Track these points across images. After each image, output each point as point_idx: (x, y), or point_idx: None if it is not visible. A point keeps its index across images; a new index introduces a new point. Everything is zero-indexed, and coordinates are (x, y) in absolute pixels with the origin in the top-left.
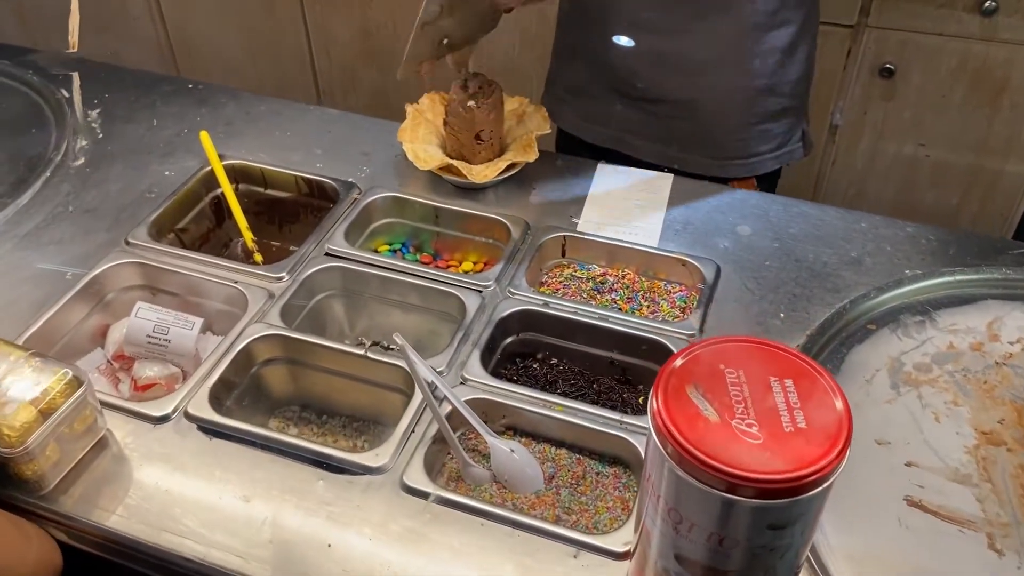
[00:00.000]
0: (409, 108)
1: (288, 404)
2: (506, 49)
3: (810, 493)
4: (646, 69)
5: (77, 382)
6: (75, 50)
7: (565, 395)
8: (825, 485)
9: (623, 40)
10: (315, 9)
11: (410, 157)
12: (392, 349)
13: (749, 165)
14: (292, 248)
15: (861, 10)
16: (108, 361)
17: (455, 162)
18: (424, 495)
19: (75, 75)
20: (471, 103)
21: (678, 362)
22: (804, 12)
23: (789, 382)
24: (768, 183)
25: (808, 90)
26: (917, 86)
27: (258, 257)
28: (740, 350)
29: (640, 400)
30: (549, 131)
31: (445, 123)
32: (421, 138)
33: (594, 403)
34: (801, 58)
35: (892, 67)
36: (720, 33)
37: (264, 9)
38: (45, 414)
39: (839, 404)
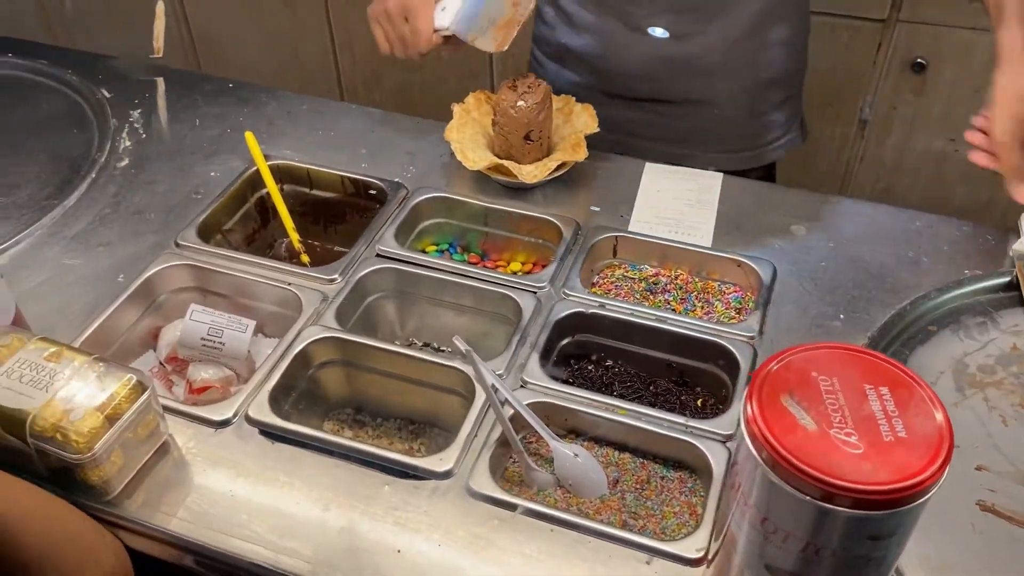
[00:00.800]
0: (456, 107)
1: (342, 407)
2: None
3: (911, 504)
4: (651, 74)
5: (141, 387)
6: (159, 55)
7: (622, 397)
8: (927, 496)
9: (658, 32)
10: (339, 7)
11: (459, 157)
12: (443, 351)
13: (757, 155)
14: (337, 249)
15: (892, 5)
16: (160, 364)
17: (505, 162)
18: (491, 500)
19: (159, 80)
20: (521, 103)
21: (771, 367)
22: (800, 3)
23: (885, 390)
24: (768, 172)
25: (803, 79)
26: (948, 80)
27: (305, 258)
28: (832, 357)
29: (699, 403)
30: (597, 129)
31: (494, 123)
32: (468, 138)
33: (652, 406)
34: (799, 48)
35: (923, 61)
36: (727, 34)
37: (287, 8)
38: (111, 420)
39: (939, 414)
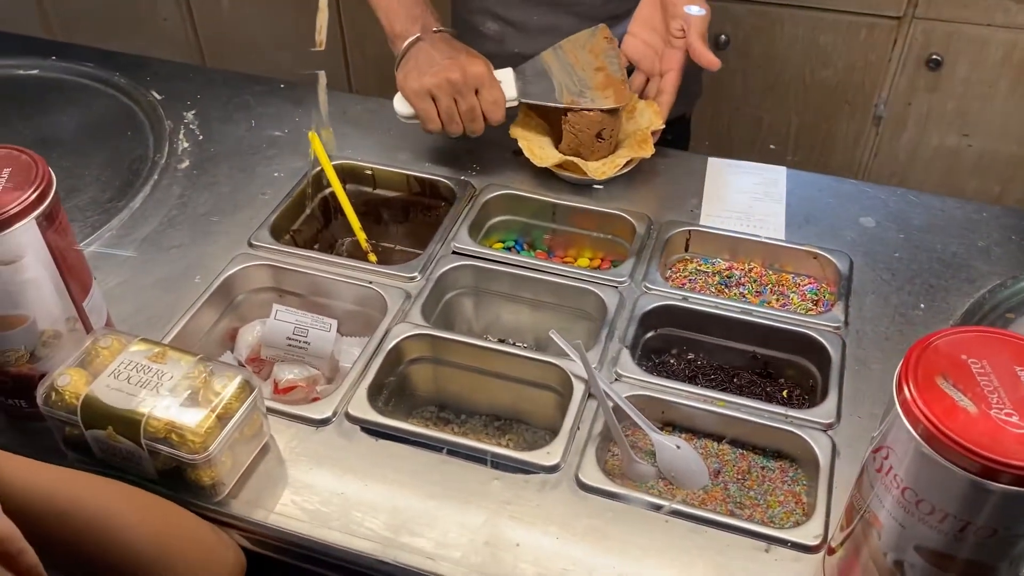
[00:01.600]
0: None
1: (426, 404)
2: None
3: None
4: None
5: (249, 387)
6: (322, 48)
7: (707, 389)
8: None
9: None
10: (349, 4)
11: (527, 154)
12: (518, 347)
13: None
14: (399, 248)
15: (909, 2)
16: (241, 364)
17: (575, 159)
18: (602, 492)
19: (321, 74)
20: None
21: (919, 353)
22: None
23: None
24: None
25: None
26: (963, 77)
27: (372, 257)
28: (978, 340)
29: (784, 394)
30: (663, 126)
31: (565, 121)
32: (534, 134)
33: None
34: None
35: (939, 58)
36: None
37: (296, 5)
38: (222, 419)
39: None
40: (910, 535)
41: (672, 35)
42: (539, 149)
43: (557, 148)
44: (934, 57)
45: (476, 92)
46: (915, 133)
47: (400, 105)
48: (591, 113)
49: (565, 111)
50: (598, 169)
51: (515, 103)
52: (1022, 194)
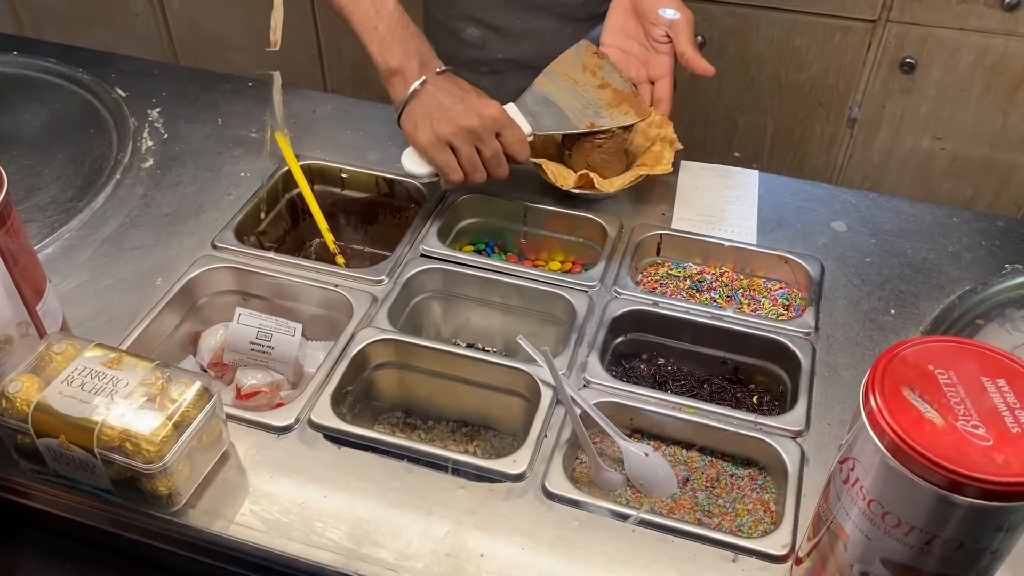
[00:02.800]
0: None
1: (392, 410)
2: None
3: None
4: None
5: (207, 393)
6: (277, 48)
7: (677, 396)
8: None
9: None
10: (325, 5)
11: (553, 181)
12: (486, 351)
13: None
14: (368, 250)
15: (883, 5)
16: (203, 369)
17: (592, 175)
18: (568, 501)
19: (276, 74)
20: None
21: (886, 363)
22: None
23: (1003, 382)
24: None
25: None
26: (936, 80)
27: (340, 260)
28: (945, 351)
29: (754, 400)
30: (681, 147)
31: (593, 144)
32: (547, 159)
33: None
34: None
35: (913, 61)
36: None
37: (271, 4)
38: (179, 427)
39: None
40: (876, 547)
41: (656, 41)
42: (553, 167)
43: (574, 167)
44: (908, 60)
45: (497, 135)
46: (889, 135)
47: (412, 164)
48: (619, 132)
49: (591, 135)
50: (611, 183)
51: (531, 137)
52: (994, 197)
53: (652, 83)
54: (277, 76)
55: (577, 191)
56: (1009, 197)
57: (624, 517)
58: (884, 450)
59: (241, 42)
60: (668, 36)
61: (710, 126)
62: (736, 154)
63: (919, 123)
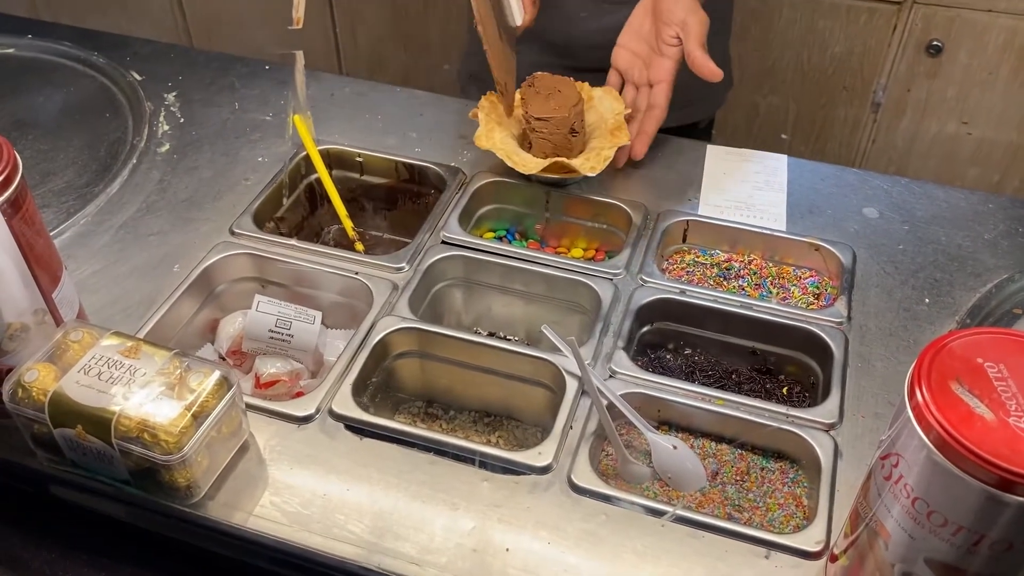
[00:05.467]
0: (480, 113)
1: (413, 400)
2: None
3: None
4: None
5: (226, 383)
6: (299, 26)
7: (704, 387)
8: None
9: None
10: None
11: (510, 163)
12: (508, 340)
13: (705, 107)
14: (387, 236)
15: None
16: (222, 357)
17: (561, 159)
18: (595, 495)
19: (299, 54)
20: (555, 104)
21: (932, 355)
22: None
23: None
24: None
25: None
26: (963, 64)
27: (359, 246)
28: (994, 342)
29: (784, 391)
30: (629, 110)
31: (532, 130)
32: (500, 141)
33: (736, 395)
34: None
35: (940, 44)
36: None
37: None
38: (198, 418)
39: None
40: (920, 547)
41: (664, 42)
42: (517, 156)
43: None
44: (934, 43)
45: None
46: (914, 120)
47: None
48: (558, 117)
49: (528, 120)
50: (588, 166)
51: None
52: (1021, 182)
53: (650, 87)
54: (300, 56)
55: (552, 177)
56: None
57: (658, 513)
58: (931, 446)
59: (256, 25)
60: (678, 38)
61: (730, 110)
62: (784, 136)
63: (945, 107)
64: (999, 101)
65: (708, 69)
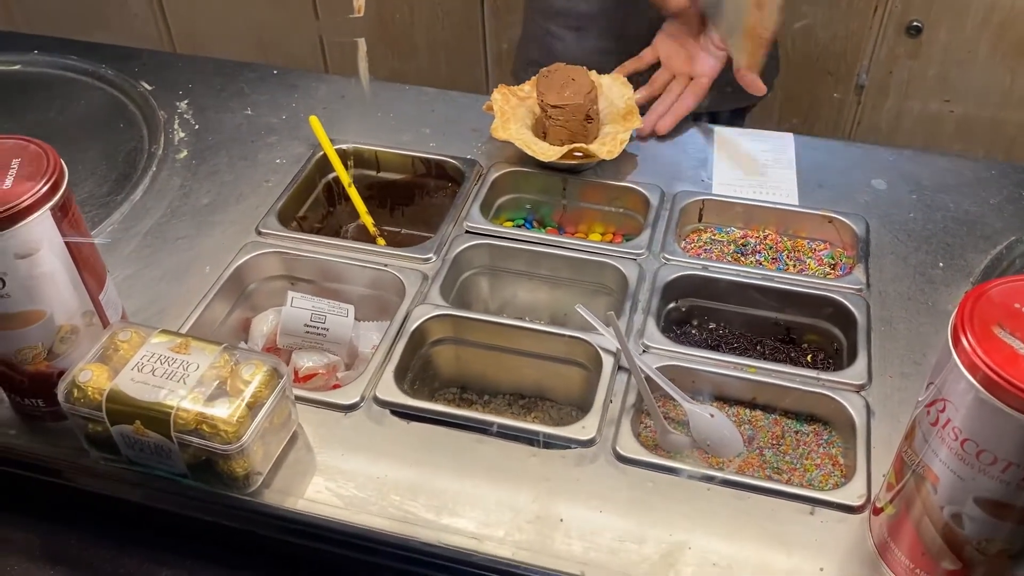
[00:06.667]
0: (494, 107)
1: (448, 386)
2: None
3: None
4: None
5: (276, 374)
6: (360, 14)
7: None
8: None
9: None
10: None
11: (530, 152)
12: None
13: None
14: (406, 231)
15: None
16: None
17: (580, 145)
18: (641, 464)
19: (361, 41)
20: (571, 93)
21: (972, 303)
22: None
23: None
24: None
25: None
26: (943, 43)
27: (381, 242)
28: None
29: (808, 358)
30: (637, 96)
31: (548, 118)
32: (516, 132)
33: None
34: None
35: (919, 24)
36: None
37: (275, 2)
38: (252, 408)
39: None
40: (970, 487)
41: (714, 44)
42: (535, 144)
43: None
44: (914, 23)
45: None
46: (897, 100)
47: None
48: (573, 105)
49: (544, 109)
50: (605, 150)
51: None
52: (1005, 157)
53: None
54: (362, 42)
55: (571, 164)
56: (1018, 156)
57: (704, 478)
58: (979, 387)
59: (242, 35)
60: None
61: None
62: (793, 120)
63: (927, 86)
64: (979, 78)
65: (755, 86)
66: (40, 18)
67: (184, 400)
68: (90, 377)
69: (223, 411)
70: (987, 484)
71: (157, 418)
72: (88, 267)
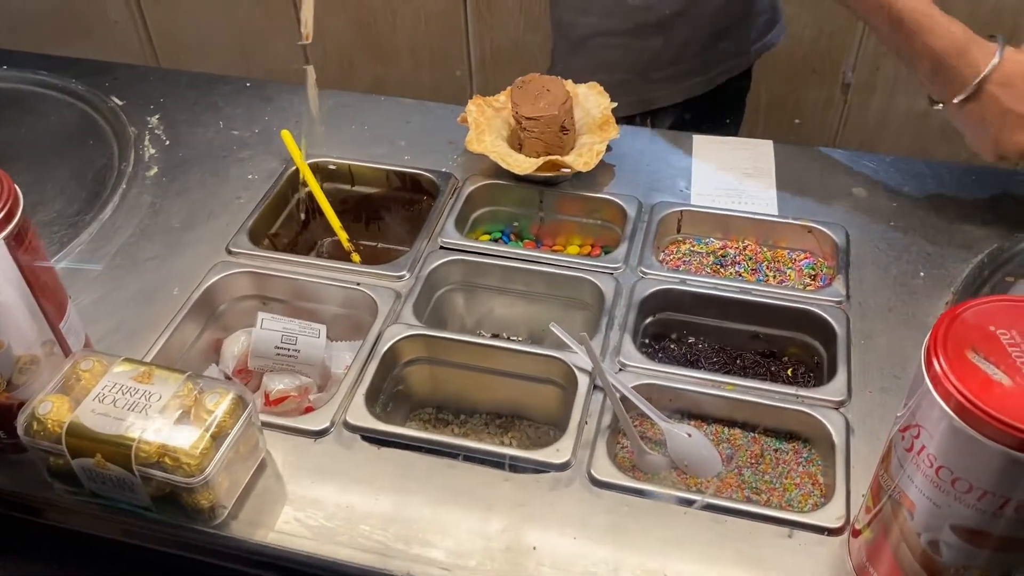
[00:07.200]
0: (468, 118)
1: (423, 406)
2: (511, 31)
3: None
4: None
5: (242, 402)
6: (309, 42)
7: (711, 373)
8: None
9: None
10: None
11: (505, 166)
12: (512, 340)
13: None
14: (382, 246)
15: None
16: (227, 377)
17: (554, 157)
18: (617, 488)
19: (309, 69)
20: (546, 103)
21: (946, 326)
22: None
23: None
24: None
25: None
26: None
27: (356, 258)
28: (1004, 310)
29: (789, 372)
30: (615, 104)
31: (522, 129)
32: (491, 144)
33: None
34: None
35: None
36: None
37: (253, 3)
38: (217, 439)
39: None
40: (945, 514)
41: None
42: (511, 157)
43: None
44: None
45: None
46: (884, 98)
47: None
48: (548, 115)
49: (518, 121)
50: (582, 162)
51: None
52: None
53: None
54: (311, 70)
55: (546, 176)
56: None
57: (681, 502)
58: (952, 414)
59: (225, 45)
60: None
61: None
62: (796, 121)
63: (914, 84)
64: None
65: None
66: (19, 27)
67: (146, 432)
68: (50, 409)
69: (186, 443)
70: (963, 512)
71: (118, 451)
72: (47, 295)
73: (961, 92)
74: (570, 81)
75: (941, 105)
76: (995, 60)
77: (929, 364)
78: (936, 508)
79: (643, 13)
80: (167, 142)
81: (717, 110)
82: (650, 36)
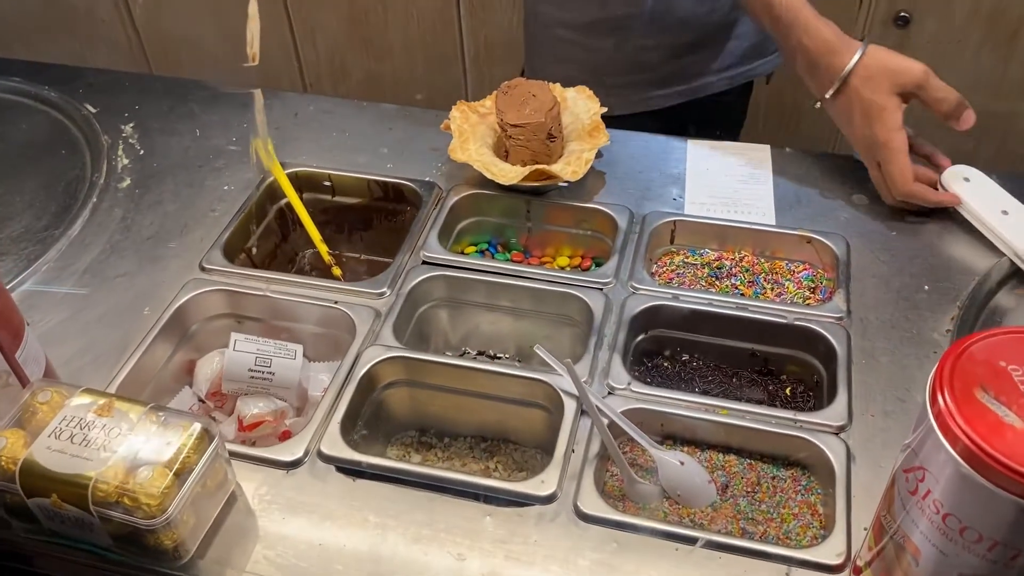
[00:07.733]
0: (452, 125)
1: (405, 430)
2: (504, 26)
3: None
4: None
5: (207, 436)
6: (255, 62)
7: (705, 393)
8: None
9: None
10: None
11: (489, 175)
12: (499, 359)
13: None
14: (364, 257)
15: None
16: (201, 400)
17: (541, 166)
18: (605, 522)
19: (257, 92)
20: (532, 110)
21: (953, 362)
22: None
23: None
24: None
25: None
26: (932, 33)
27: (336, 271)
28: (1015, 342)
29: (787, 391)
30: (605, 109)
31: (508, 137)
32: (476, 152)
33: (737, 399)
34: None
35: (907, 15)
36: None
37: (246, 13)
38: (180, 476)
39: None
40: (953, 563)
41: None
42: (496, 167)
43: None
44: (902, 14)
45: None
46: None
47: None
48: (534, 122)
49: (504, 129)
50: (570, 171)
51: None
52: (995, 150)
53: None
54: (259, 94)
55: (532, 185)
56: (1010, 147)
57: (671, 537)
58: (959, 459)
59: (214, 43)
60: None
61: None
62: (816, 105)
63: None
64: (969, 69)
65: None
66: (5, 27)
67: (104, 470)
68: (4, 445)
69: (146, 481)
70: (972, 562)
71: (74, 492)
72: (1, 323)
73: (831, 87)
74: (558, 85)
75: (819, 103)
76: (857, 55)
77: (934, 402)
78: (943, 556)
79: (597, 8)
80: (141, 151)
81: (704, 120)
82: (603, 35)
